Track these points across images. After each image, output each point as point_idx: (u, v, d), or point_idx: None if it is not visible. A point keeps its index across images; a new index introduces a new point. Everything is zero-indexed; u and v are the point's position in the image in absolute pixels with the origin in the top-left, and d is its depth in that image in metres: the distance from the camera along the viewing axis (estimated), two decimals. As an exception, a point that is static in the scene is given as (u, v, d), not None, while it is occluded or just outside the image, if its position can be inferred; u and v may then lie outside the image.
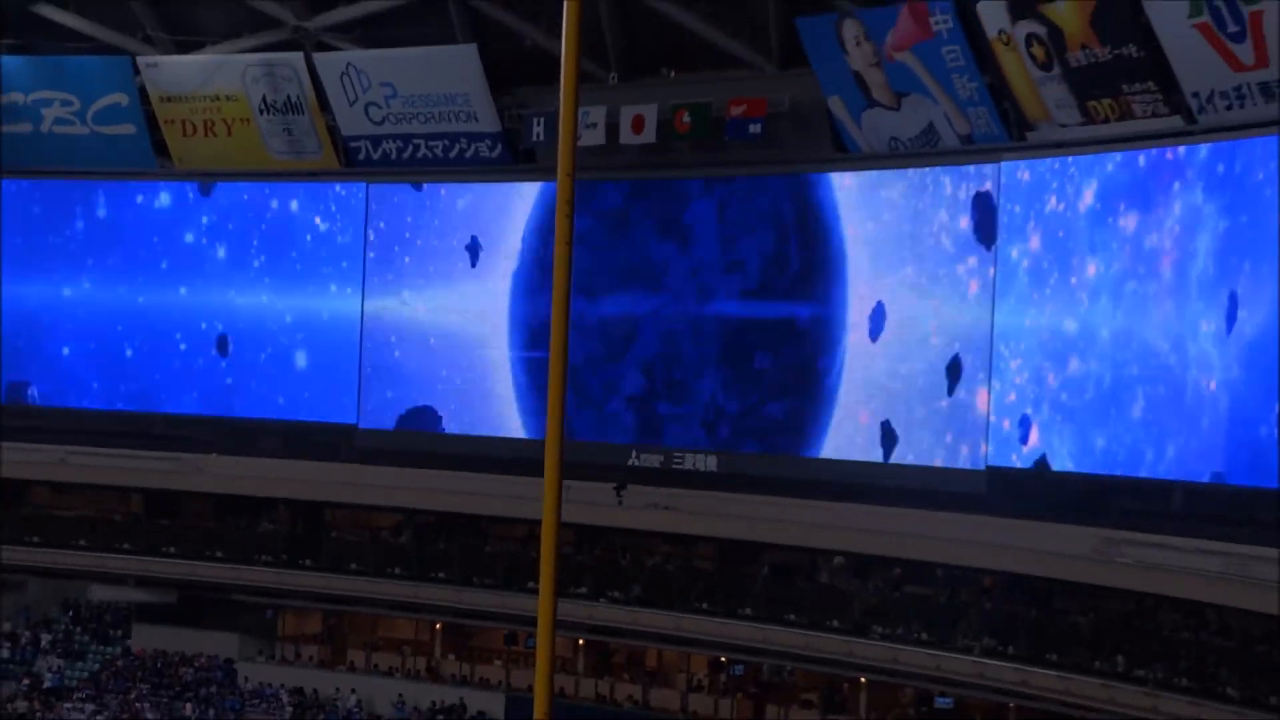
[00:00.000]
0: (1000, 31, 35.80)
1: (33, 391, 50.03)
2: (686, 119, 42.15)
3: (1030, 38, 35.33)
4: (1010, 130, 37.47)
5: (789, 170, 41.83)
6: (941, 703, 38.76)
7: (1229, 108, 33.18)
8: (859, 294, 40.46)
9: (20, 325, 49.75)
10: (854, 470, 40.21)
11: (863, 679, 39.90)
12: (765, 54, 41.84)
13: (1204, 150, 33.71)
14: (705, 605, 41.17)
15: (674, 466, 42.36)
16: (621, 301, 43.54)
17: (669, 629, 41.66)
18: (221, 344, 48.42)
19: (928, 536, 38.02)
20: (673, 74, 43.59)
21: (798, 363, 41.41)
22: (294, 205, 48.20)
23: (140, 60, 47.53)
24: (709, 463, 42.10)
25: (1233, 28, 32.17)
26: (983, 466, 38.18)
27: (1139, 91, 34.35)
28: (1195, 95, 33.46)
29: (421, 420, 46.49)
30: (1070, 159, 36.63)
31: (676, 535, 42.40)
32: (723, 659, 42.06)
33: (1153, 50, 33.54)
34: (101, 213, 49.82)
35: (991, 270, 38.23)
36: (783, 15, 40.66)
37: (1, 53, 48.92)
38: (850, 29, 38.64)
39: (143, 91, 47.68)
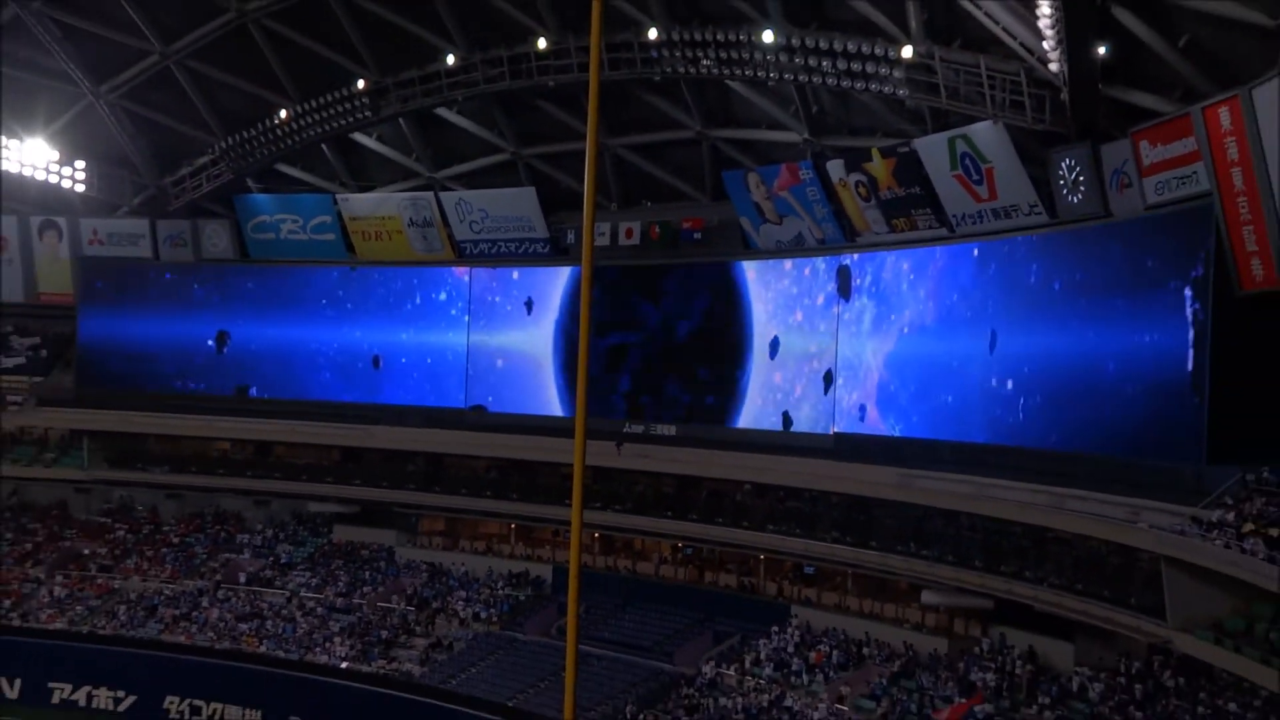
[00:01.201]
0: (840, 179, 35.98)
1: (253, 390, 48.84)
2: (657, 230, 42.20)
3: (858, 183, 35.55)
4: (847, 236, 37.37)
5: (717, 260, 41.43)
6: (808, 570, 38.93)
7: (974, 223, 33.50)
8: (760, 332, 40.01)
9: (242, 352, 48.77)
10: (756, 435, 39.79)
11: (762, 556, 39.71)
12: (703, 191, 41.81)
13: (977, 247, 33.60)
14: (669, 513, 40.96)
15: (650, 432, 41.97)
16: (619, 336, 43.17)
17: (648, 527, 41.49)
18: (375, 361, 47.53)
19: (799, 473, 37.85)
20: (649, 204, 43.46)
21: (723, 373, 40.95)
22: (416, 280, 47.04)
23: (338, 196, 47.35)
24: (671, 430, 41.67)
25: (975, 176, 32.50)
26: (830, 432, 38.00)
27: (922, 214, 34.63)
28: (955, 216, 33.82)
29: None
30: (895, 251, 36.23)
31: (651, 472, 41.91)
32: (679, 544, 41.92)
33: (929, 190, 33.78)
34: (293, 284, 48.54)
35: (848, 315, 37.79)
36: (715, 169, 40.66)
37: (257, 192, 48.76)
38: (753, 178, 38.69)
39: (339, 214, 47.42)
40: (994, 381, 32.93)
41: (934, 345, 34.90)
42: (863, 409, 37.15)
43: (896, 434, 36.08)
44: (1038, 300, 31.65)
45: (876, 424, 36.71)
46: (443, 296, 46.81)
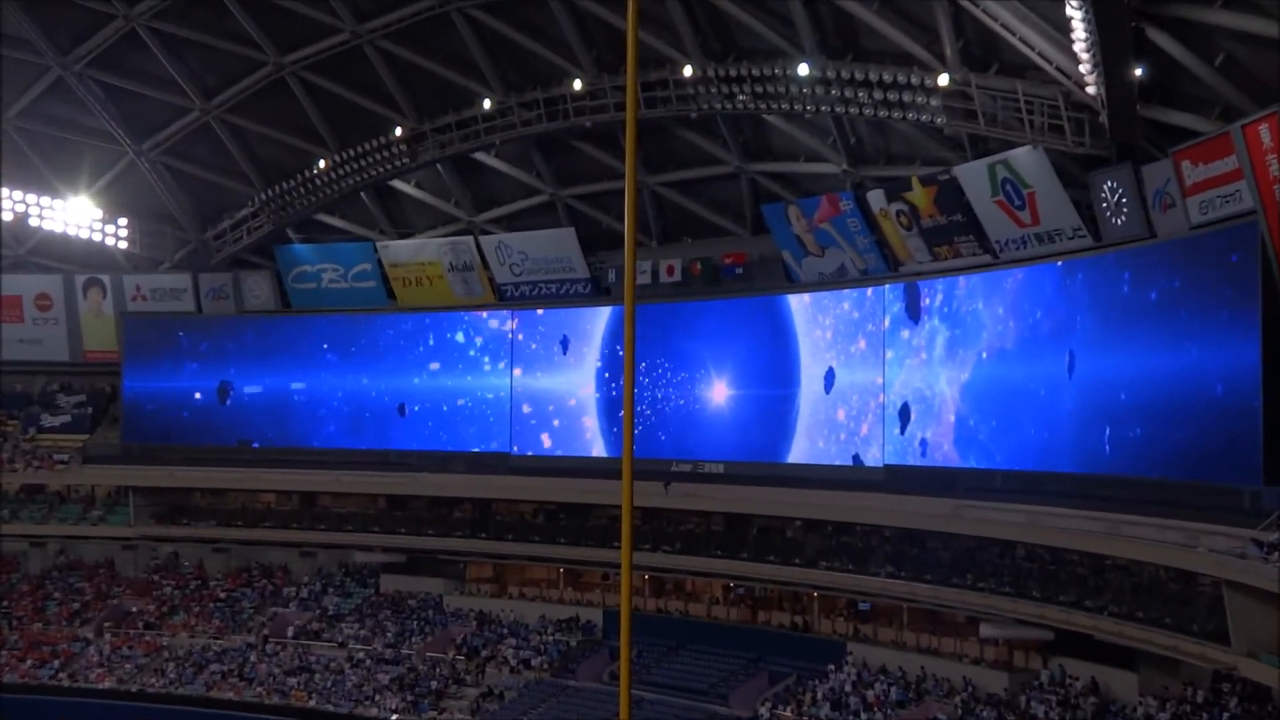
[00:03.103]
0: (881, 209, 36.23)
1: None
2: (698, 266, 42.48)
3: (899, 212, 35.77)
4: (889, 265, 37.47)
5: (759, 294, 41.50)
6: (862, 606, 38.62)
7: (1017, 249, 33.69)
8: (808, 365, 39.64)
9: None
10: (806, 470, 39.58)
11: (814, 593, 39.54)
12: (743, 226, 42.15)
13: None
14: (719, 552, 40.80)
15: (698, 470, 41.82)
16: (656, 376, 43.23)
17: (697, 567, 41.34)
18: (400, 409, 47.57)
19: (850, 507, 37.69)
20: (689, 240, 43.74)
21: (770, 408, 40.95)
22: (453, 320, 47.06)
23: (378, 244, 47.86)
24: (718, 468, 41.59)
25: (1017, 202, 32.69)
26: (881, 464, 37.82)
27: (964, 240, 34.82)
28: (998, 242, 34.03)
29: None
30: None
31: (700, 511, 41.85)
32: (730, 584, 41.73)
33: (971, 216, 34.04)
34: (331, 331, 48.84)
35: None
36: (754, 203, 41.06)
37: (298, 242, 49.45)
38: (793, 211, 38.90)
39: (379, 262, 47.90)
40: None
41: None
42: (924, 444, 36.40)
43: (962, 466, 35.02)
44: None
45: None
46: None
